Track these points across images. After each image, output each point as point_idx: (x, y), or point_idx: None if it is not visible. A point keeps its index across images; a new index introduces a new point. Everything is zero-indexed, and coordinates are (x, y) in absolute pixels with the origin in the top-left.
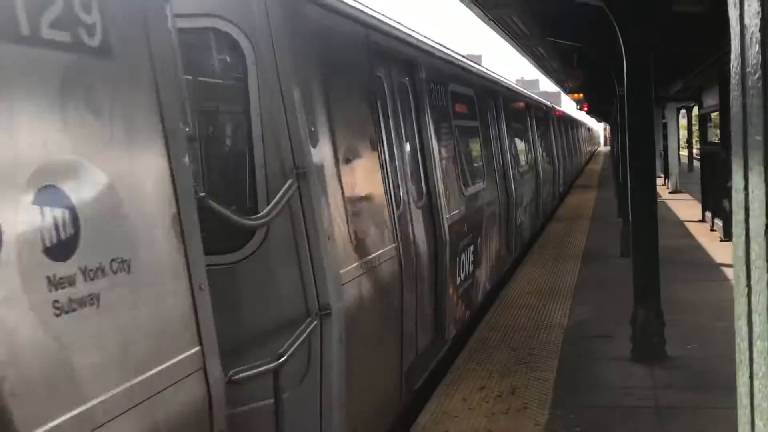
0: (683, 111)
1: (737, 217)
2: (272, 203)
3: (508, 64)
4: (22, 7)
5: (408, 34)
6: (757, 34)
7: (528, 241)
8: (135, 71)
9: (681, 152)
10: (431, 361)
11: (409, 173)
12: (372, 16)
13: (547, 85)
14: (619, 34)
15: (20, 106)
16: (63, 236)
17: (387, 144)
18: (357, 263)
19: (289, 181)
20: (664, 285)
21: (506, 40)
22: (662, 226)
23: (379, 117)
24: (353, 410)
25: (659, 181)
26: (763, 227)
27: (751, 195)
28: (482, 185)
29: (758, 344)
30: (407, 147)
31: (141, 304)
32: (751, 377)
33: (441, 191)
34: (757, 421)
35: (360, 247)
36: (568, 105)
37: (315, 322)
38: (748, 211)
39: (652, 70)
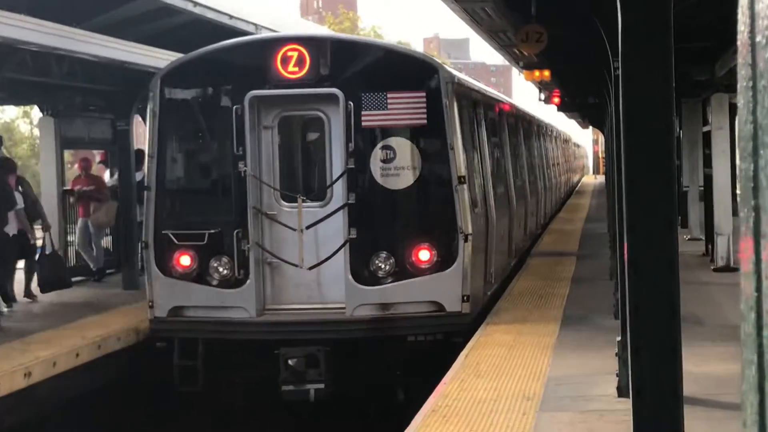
0: None
1: (747, 233)
2: None
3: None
4: None
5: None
6: None
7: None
8: None
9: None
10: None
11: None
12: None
13: (482, 50)
14: None
15: None
16: None
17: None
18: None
19: None
20: None
21: None
22: (700, 337)
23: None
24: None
25: (695, 246)
26: None
27: (763, 216)
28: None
29: None
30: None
31: None
32: None
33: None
34: None
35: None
36: (525, 94)
37: None
38: (759, 272)
39: (671, 23)
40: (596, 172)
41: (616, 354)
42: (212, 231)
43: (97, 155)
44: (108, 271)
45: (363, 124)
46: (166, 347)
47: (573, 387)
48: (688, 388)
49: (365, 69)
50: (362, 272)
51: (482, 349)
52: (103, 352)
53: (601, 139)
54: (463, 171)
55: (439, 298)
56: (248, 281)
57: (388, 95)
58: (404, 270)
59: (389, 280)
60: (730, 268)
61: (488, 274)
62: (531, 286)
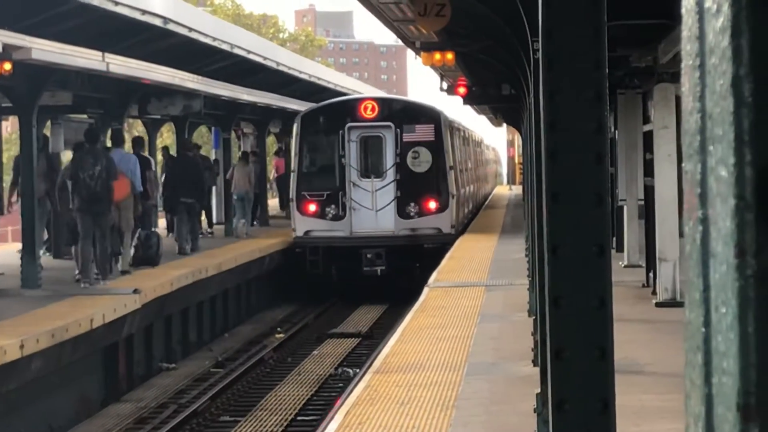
0: None
1: (693, 253)
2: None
3: None
4: None
5: (456, 121)
6: None
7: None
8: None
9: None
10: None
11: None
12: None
13: (369, 25)
14: None
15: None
16: None
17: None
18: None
19: None
20: None
21: None
22: (639, 389)
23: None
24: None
25: (633, 275)
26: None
27: (713, 231)
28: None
29: None
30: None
31: None
32: None
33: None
34: None
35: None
36: (423, 81)
37: None
38: (708, 304)
39: None
40: (512, 181)
41: (535, 410)
42: (328, 192)
43: None
44: None
45: (404, 140)
46: (301, 252)
47: None
48: None
49: (405, 112)
50: (402, 212)
51: (370, 406)
52: None
53: (518, 140)
54: (451, 163)
55: (440, 225)
56: (346, 217)
57: (416, 126)
58: (423, 212)
59: (415, 217)
60: (677, 303)
61: (460, 218)
62: (429, 323)
